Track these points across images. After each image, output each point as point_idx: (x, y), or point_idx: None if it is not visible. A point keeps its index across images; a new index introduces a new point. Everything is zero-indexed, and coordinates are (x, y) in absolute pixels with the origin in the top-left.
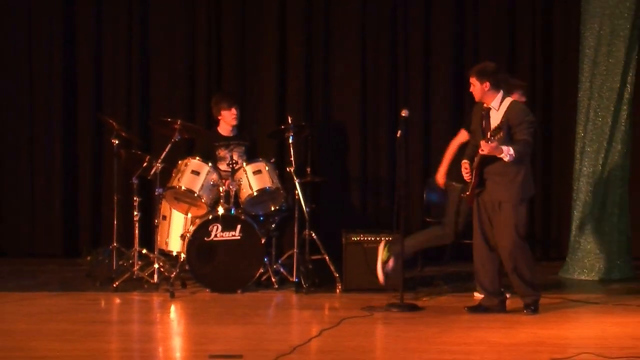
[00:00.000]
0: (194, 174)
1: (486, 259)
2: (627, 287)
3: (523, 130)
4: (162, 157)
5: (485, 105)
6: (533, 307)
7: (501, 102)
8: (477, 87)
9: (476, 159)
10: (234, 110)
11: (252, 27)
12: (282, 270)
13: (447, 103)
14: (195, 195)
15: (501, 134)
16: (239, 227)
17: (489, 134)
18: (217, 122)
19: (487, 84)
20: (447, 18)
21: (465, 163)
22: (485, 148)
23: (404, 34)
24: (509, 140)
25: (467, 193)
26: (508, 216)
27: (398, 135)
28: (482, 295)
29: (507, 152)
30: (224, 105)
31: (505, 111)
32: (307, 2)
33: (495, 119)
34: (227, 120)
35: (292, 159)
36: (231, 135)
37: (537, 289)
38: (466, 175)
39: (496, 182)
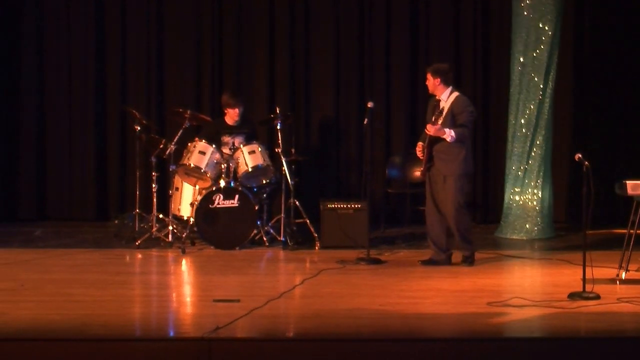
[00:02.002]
0: (200, 154)
1: (436, 222)
2: (549, 244)
3: (464, 118)
4: (175, 140)
5: (436, 97)
6: (470, 259)
7: (449, 95)
8: (431, 81)
9: (427, 140)
10: (237, 110)
11: (247, 34)
12: (271, 231)
13: (403, 97)
14: (202, 171)
15: (442, 117)
16: (237, 196)
17: (433, 118)
18: (224, 113)
19: (439, 79)
20: (404, 29)
21: (419, 145)
22: (430, 129)
23: (369, 42)
24: (452, 125)
25: (421, 168)
26: (451, 187)
27: (365, 122)
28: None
29: (449, 134)
30: (230, 104)
31: (452, 102)
32: (291, 15)
33: (444, 108)
34: (231, 116)
35: (280, 141)
36: (235, 125)
37: (473, 244)
38: (419, 154)
39: (442, 159)
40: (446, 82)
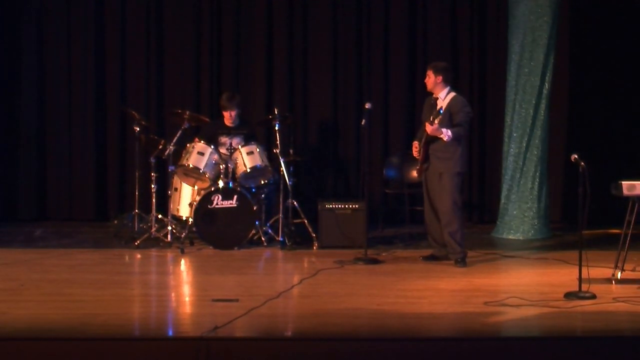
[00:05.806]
0: (199, 155)
1: (434, 220)
2: (545, 244)
3: (460, 117)
4: (174, 141)
5: (434, 95)
6: (461, 262)
7: (447, 94)
8: (431, 79)
9: (423, 139)
10: (232, 113)
11: (246, 35)
12: (270, 231)
13: (401, 98)
14: (201, 171)
15: (440, 117)
16: (235, 197)
17: (431, 117)
18: (222, 115)
19: (440, 77)
20: (402, 30)
21: (415, 144)
22: (428, 129)
23: (367, 43)
24: (449, 124)
25: (418, 167)
26: (446, 185)
27: (362, 123)
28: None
29: (446, 134)
30: (225, 107)
31: (449, 102)
32: (289, 16)
33: (442, 107)
34: (227, 118)
35: (278, 142)
36: (232, 126)
37: (463, 247)
38: (415, 153)
39: (438, 158)
40: (446, 81)
